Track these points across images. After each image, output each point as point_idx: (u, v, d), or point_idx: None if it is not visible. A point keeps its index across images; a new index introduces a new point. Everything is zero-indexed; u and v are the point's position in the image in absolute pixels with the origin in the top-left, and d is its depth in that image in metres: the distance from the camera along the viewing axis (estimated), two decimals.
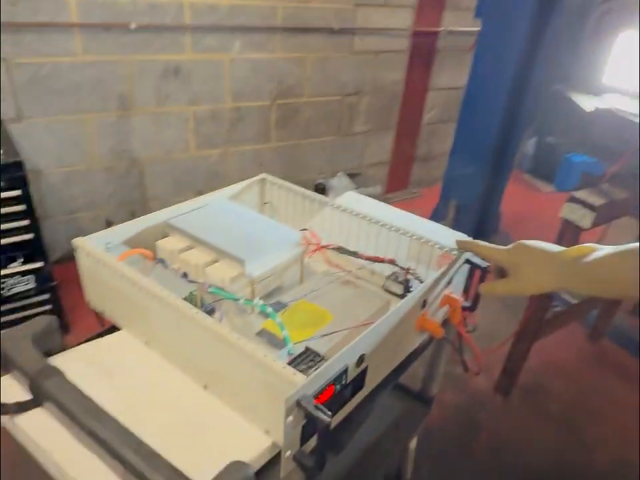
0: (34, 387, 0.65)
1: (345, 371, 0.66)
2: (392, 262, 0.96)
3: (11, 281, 1.60)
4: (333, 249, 1.00)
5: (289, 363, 0.67)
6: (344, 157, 2.93)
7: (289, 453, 0.62)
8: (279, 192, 1.12)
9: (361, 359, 0.69)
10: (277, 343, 0.74)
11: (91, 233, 0.84)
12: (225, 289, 0.85)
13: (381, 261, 0.96)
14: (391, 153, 3.13)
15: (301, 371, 0.65)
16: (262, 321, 0.80)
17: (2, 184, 1.54)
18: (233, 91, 2.38)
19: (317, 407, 0.58)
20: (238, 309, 0.85)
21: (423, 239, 0.94)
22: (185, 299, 0.78)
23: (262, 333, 0.76)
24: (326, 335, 0.75)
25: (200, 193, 1.03)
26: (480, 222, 2.55)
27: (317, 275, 0.93)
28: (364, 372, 0.72)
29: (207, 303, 0.86)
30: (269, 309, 0.80)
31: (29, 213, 1.59)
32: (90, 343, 0.79)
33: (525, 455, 1.62)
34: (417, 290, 0.79)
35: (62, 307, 1.75)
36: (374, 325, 0.69)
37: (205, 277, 0.88)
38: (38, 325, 0.72)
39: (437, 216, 2.74)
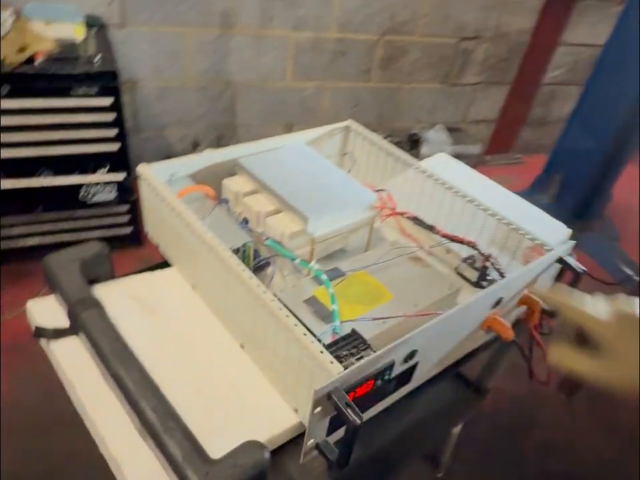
0: (72, 315, 0.63)
1: (391, 367, 0.59)
2: (472, 245, 0.84)
3: (94, 188, 1.64)
4: (409, 218, 0.91)
5: (330, 345, 0.60)
6: (447, 108, 2.71)
7: (312, 440, 0.56)
8: (362, 143, 1.02)
9: (411, 355, 0.61)
10: (324, 315, 0.68)
11: (178, 152, 0.80)
12: (283, 244, 0.80)
13: (460, 241, 0.85)
14: (500, 112, 2.86)
15: (341, 357, 0.59)
16: (315, 286, 0.73)
17: (96, 90, 1.55)
18: (340, 20, 2.23)
19: (348, 405, 0.51)
20: (293, 268, 0.79)
21: (513, 225, 0.82)
22: (238, 249, 0.73)
23: (311, 301, 0.70)
24: (378, 318, 0.67)
25: (289, 126, 0.96)
26: (584, 203, 2.29)
27: (385, 244, 0.84)
28: (413, 367, 0.65)
29: (262, 255, 0.81)
30: (324, 277, 0.73)
31: (118, 123, 1.60)
32: (138, 275, 0.77)
33: (575, 460, 1.51)
34: (493, 287, 0.68)
35: (138, 221, 1.80)
36: (434, 321, 0.60)
37: (265, 227, 0.82)
38: (88, 251, 0.70)
39: (536, 188, 2.51)
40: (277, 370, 0.63)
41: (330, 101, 2.44)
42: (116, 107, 1.58)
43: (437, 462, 1.32)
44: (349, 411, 0.51)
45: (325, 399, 0.52)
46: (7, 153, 1.54)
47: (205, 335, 0.70)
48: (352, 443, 0.53)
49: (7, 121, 1.50)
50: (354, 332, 0.63)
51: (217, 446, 0.54)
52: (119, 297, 0.72)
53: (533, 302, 0.77)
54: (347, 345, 0.61)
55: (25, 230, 1.68)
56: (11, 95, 1.46)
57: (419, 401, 0.77)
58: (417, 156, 2.39)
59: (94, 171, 1.64)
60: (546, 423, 1.61)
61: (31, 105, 1.51)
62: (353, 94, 2.48)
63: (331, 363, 0.54)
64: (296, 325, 0.57)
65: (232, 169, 0.89)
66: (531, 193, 2.55)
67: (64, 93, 1.50)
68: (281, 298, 0.70)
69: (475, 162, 2.54)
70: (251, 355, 0.68)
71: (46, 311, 0.66)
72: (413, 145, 2.36)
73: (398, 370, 0.61)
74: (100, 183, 1.64)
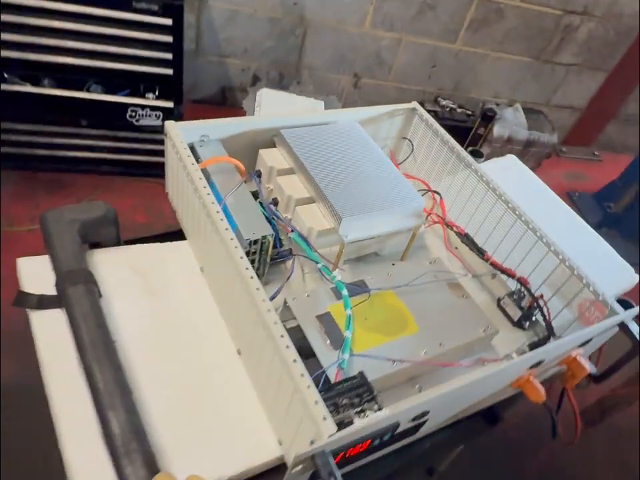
0: (59, 287, 0.57)
1: (395, 427, 0.51)
2: (523, 282, 0.73)
3: (141, 111, 1.57)
4: (457, 233, 0.80)
5: (330, 387, 0.52)
6: (531, 87, 2.46)
7: None
8: (425, 132, 0.89)
9: (422, 415, 0.53)
10: (335, 337, 0.60)
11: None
12: (309, 239, 0.71)
13: (510, 275, 0.74)
14: (589, 101, 2.59)
15: (339, 407, 0.51)
16: (333, 298, 0.65)
17: (157, 6, 1.45)
18: None
19: (331, 474, 0.44)
20: (315, 268, 0.71)
21: (576, 270, 0.70)
22: (256, 240, 0.65)
23: (324, 318, 0.62)
24: (393, 359, 0.59)
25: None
26: None
27: (424, 262, 0.74)
28: (420, 424, 0.57)
29: (284, 245, 0.72)
30: (345, 292, 0.64)
31: (176, 47, 1.50)
32: (146, 246, 0.70)
33: None
34: (537, 352, 0.58)
35: None
36: (456, 385, 0.52)
37: (294, 216, 0.73)
38: (92, 212, 0.63)
39: (607, 193, 2.30)
40: (268, 394, 0.56)
41: (407, 56, 2.25)
42: (175, 29, 1.48)
43: (431, 470, 1.27)
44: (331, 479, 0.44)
45: (309, 459, 0.45)
46: (61, 59, 1.48)
47: (203, 330, 0.64)
48: None
49: (63, 25, 1.42)
50: (361, 376, 0.55)
51: (184, 466, 0.48)
52: (120, 268, 0.65)
53: (578, 367, 0.66)
54: (349, 391, 0.53)
55: (66, 141, 1.64)
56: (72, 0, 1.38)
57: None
58: (488, 134, 2.20)
59: (143, 94, 1.56)
60: (556, 447, 1.52)
61: (91, 12, 1.43)
62: (433, 53, 2.27)
63: (324, 419, 0.46)
64: (295, 361, 0.49)
65: (271, 140, 0.80)
66: (600, 197, 2.34)
67: (126, 4, 1.41)
68: (292, 306, 0.62)
69: (548, 151, 2.33)
70: (246, 366, 0.61)
71: (37, 272, 0.60)
72: (485, 120, 2.16)
73: (402, 428, 0.53)
74: (148, 107, 1.57)
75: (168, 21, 1.47)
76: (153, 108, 1.58)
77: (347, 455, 0.49)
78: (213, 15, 1.98)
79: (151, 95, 1.57)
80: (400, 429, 0.53)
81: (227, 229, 0.59)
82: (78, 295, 0.55)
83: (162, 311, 0.63)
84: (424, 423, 0.56)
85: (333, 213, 0.69)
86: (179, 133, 0.69)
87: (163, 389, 0.56)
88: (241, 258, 0.56)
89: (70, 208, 0.63)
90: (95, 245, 0.66)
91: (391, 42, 2.19)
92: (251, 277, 0.55)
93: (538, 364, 0.61)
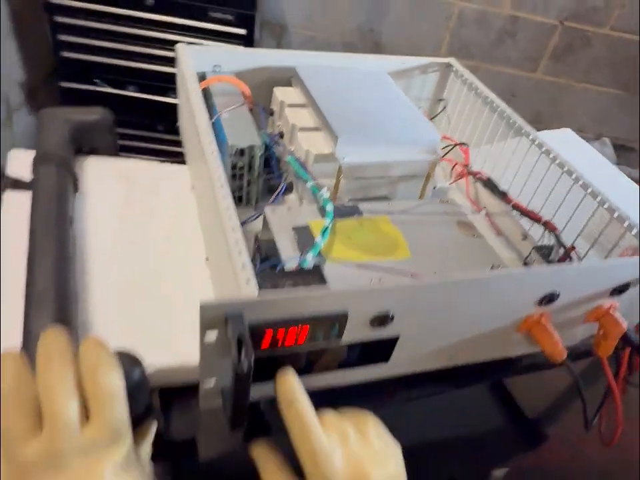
0: (33, 168, 0.56)
1: (343, 318, 0.42)
2: (551, 228, 0.62)
3: None
4: (481, 179, 0.71)
5: (278, 274, 0.46)
6: (620, 121, 2.28)
7: (209, 382, 0.43)
8: (464, 92, 0.83)
9: (383, 319, 0.44)
10: (305, 245, 0.53)
11: None
12: (307, 165, 0.66)
13: (535, 219, 0.63)
14: None
15: (278, 287, 0.44)
16: (317, 217, 0.58)
17: (231, 18, 1.53)
18: None
19: (241, 340, 0.36)
20: (313, 196, 0.65)
21: (617, 213, 0.58)
22: (242, 151, 0.61)
23: (301, 230, 0.55)
24: (365, 266, 0.51)
25: None
26: None
27: (431, 200, 0.66)
28: (391, 342, 0.47)
29: (285, 175, 0.68)
30: (330, 207, 0.58)
31: None
32: (142, 161, 0.69)
33: None
34: (542, 268, 0.47)
35: None
36: (423, 284, 0.43)
37: (294, 143, 0.69)
38: (87, 115, 0.63)
39: None
40: (218, 288, 0.50)
41: (484, 84, 2.19)
42: (248, 39, 1.55)
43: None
44: (242, 349, 0.36)
45: (223, 323, 0.38)
46: (145, 66, 1.60)
47: (178, 240, 0.59)
48: (240, 397, 0.38)
49: (144, 32, 1.55)
50: (316, 268, 0.47)
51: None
52: (107, 174, 0.64)
53: (610, 321, 0.54)
54: (299, 278, 0.45)
55: (143, 145, 1.75)
56: (154, 10, 1.50)
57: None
58: None
59: None
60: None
61: (172, 21, 1.55)
62: (511, 82, 2.19)
63: (247, 282, 0.39)
64: (233, 230, 0.43)
65: (288, 80, 0.77)
66: None
67: (202, 14, 1.51)
68: (267, 214, 0.57)
69: None
70: (210, 271, 0.56)
71: (23, 162, 0.60)
72: None
73: (361, 334, 0.44)
74: None
75: (242, 31, 1.54)
76: None
77: (282, 342, 0.41)
78: (292, 39, 2.07)
79: None
80: (359, 335, 0.44)
81: (207, 128, 0.55)
82: (48, 172, 0.54)
83: (139, 215, 0.60)
84: (393, 344, 0.47)
85: (331, 134, 0.64)
86: (189, 55, 0.69)
87: (113, 276, 0.52)
88: (213, 153, 0.52)
89: (66, 109, 0.63)
90: (90, 152, 0.65)
91: (468, 69, 2.15)
92: (218, 166, 0.50)
93: (550, 299, 0.50)
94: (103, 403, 0.32)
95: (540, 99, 2.23)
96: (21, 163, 0.60)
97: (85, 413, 0.32)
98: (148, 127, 1.76)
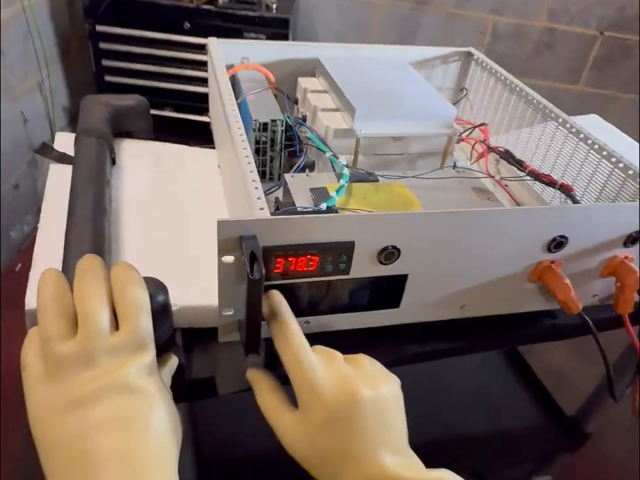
0: (75, 142, 0.63)
1: (350, 249, 0.44)
2: (568, 190, 0.63)
3: None
4: (499, 153, 0.72)
5: (292, 210, 0.49)
6: None
7: (228, 312, 0.46)
8: (486, 80, 0.84)
9: (390, 255, 0.46)
10: (321, 202, 0.56)
11: None
12: (326, 140, 0.70)
13: (549, 183, 0.64)
14: None
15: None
16: (334, 181, 0.62)
17: (264, 38, 1.62)
18: (552, 7, 1.98)
19: (253, 255, 0.40)
20: (332, 168, 0.68)
21: (632, 171, 0.58)
22: (266, 125, 0.66)
23: (318, 190, 0.59)
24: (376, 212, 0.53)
25: None
26: None
27: (447, 168, 0.68)
28: (399, 283, 0.49)
29: (306, 150, 0.72)
30: (346, 170, 0.61)
31: None
32: (175, 145, 0.75)
33: None
34: (550, 207, 0.48)
35: None
36: (429, 213, 0.45)
37: (317, 122, 0.73)
38: (125, 100, 0.70)
39: None
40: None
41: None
42: None
43: None
44: (255, 263, 0.39)
45: (238, 247, 0.41)
46: (182, 86, 1.72)
47: (204, 208, 0.64)
48: (253, 310, 0.41)
49: (182, 54, 1.66)
50: (329, 209, 0.50)
51: None
52: (142, 154, 0.70)
53: (625, 270, 0.53)
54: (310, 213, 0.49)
55: None
56: (190, 32, 1.62)
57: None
58: None
59: None
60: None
61: (204, 42, 1.66)
62: (552, 95, 2.17)
63: (261, 209, 0.43)
64: (249, 163, 0.47)
65: (313, 71, 0.82)
66: None
67: (237, 34, 1.61)
68: (287, 180, 0.61)
69: None
70: None
71: (69, 143, 0.67)
72: None
73: (369, 270, 0.47)
74: None
75: None
76: None
77: (292, 268, 0.44)
78: None
79: None
80: (365, 271, 0.47)
81: (232, 103, 0.61)
82: (88, 142, 0.60)
83: (170, 186, 0.66)
84: (402, 284, 0.49)
85: (349, 109, 0.68)
86: (219, 48, 0.75)
87: (143, 232, 0.57)
88: (237, 122, 0.57)
89: (106, 95, 0.70)
90: (127, 135, 0.72)
91: None
92: (240, 131, 0.55)
93: (559, 245, 0.50)
94: (131, 313, 0.36)
95: (585, 111, 2.20)
96: (66, 142, 0.67)
97: (115, 325, 0.36)
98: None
